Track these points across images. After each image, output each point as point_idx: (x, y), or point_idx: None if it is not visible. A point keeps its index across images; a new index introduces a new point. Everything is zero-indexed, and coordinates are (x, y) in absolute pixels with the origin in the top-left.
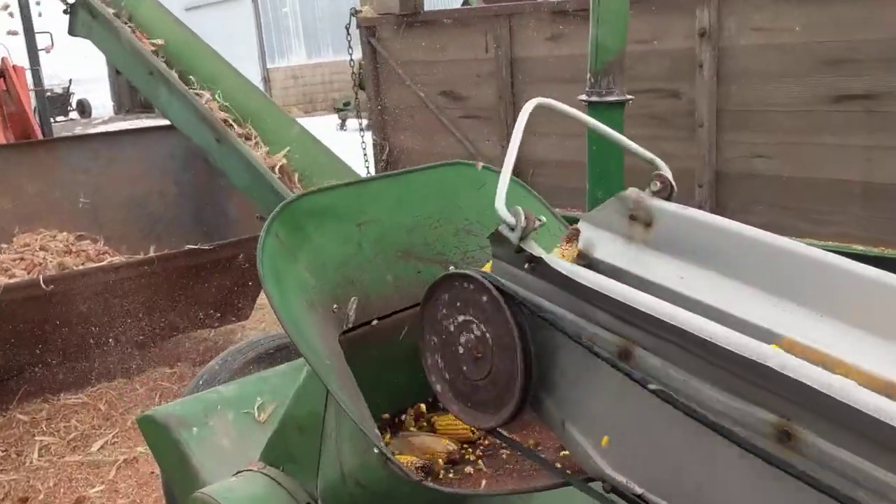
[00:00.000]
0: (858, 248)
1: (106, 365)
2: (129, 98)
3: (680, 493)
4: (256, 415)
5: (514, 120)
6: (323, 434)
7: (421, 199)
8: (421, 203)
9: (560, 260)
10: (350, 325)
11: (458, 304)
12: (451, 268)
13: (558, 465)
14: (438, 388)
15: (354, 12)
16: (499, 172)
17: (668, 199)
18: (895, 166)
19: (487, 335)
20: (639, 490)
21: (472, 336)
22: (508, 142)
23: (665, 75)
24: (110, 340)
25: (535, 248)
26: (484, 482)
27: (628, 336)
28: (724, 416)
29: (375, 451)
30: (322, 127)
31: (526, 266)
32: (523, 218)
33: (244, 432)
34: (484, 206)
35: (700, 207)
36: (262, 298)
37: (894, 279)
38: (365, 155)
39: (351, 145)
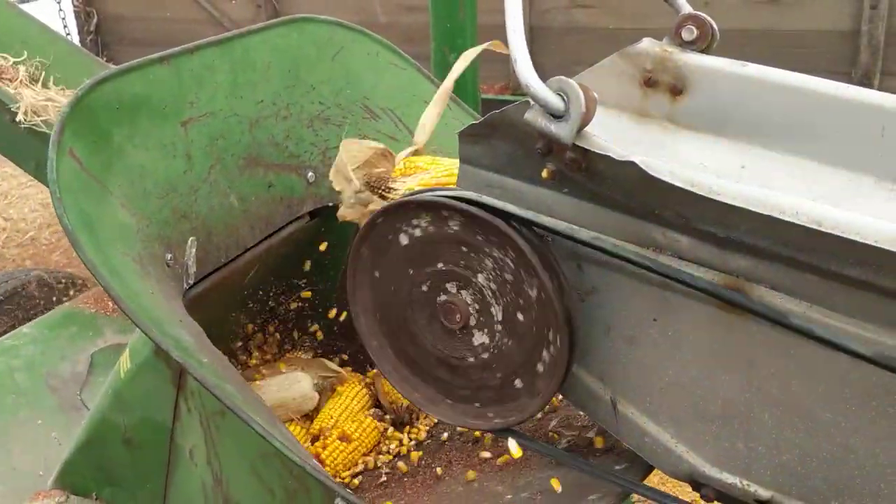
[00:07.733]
0: None
1: None
2: None
3: (838, 490)
4: None
5: None
6: (173, 451)
7: (262, 75)
8: (263, 82)
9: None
10: (192, 282)
11: (436, 259)
12: (310, 174)
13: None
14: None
15: None
16: (357, 30)
17: (707, 51)
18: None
19: (496, 291)
20: (765, 494)
21: (465, 301)
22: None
23: None
24: None
25: (606, 147)
26: None
27: (736, 270)
28: None
29: (339, 500)
30: None
31: (547, 172)
32: (581, 98)
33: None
34: (342, 82)
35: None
36: None
37: None
38: (65, 27)
39: (43, 17)
